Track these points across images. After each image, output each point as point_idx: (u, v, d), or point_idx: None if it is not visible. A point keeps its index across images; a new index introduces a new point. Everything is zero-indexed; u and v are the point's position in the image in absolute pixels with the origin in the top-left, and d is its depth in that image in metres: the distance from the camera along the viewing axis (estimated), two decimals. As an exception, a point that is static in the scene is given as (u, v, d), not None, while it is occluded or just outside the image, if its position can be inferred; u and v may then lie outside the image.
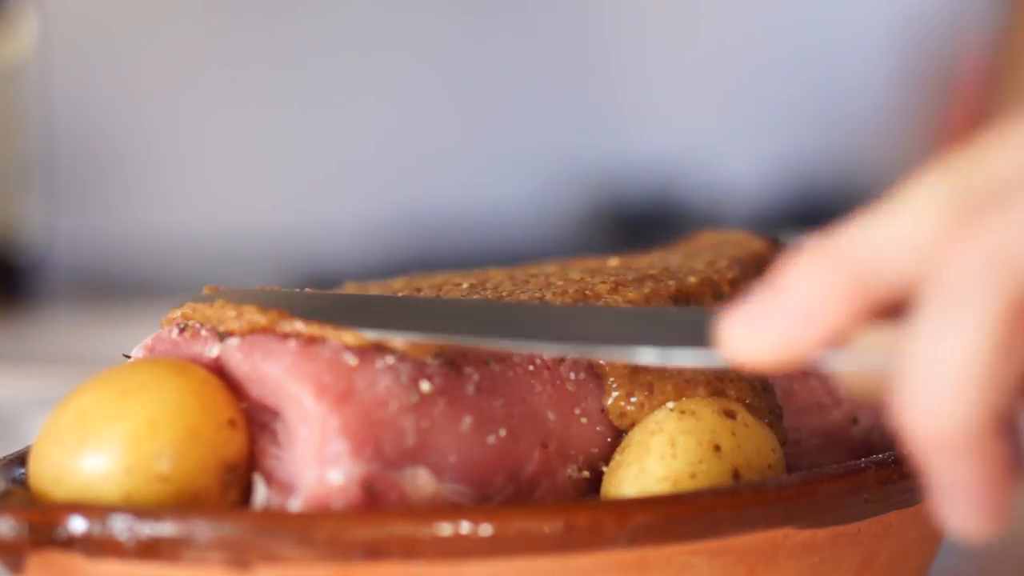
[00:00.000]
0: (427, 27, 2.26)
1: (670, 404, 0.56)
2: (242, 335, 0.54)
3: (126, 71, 2.15)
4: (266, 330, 0.54)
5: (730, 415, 0.56)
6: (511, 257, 0.76)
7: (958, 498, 0.44)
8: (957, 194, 0.44)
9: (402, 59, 2.24)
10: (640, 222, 2.19)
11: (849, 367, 0.45)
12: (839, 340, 0.45)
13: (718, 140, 2.34)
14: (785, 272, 0.45)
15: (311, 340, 0.53)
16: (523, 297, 0.58)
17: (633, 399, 0.56)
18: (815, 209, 2.25)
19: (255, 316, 0.54)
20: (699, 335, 0.47)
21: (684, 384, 0.57)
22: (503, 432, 0.54)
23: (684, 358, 0.48)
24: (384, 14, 2.24)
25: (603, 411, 0.57)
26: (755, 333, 0.45)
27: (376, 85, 2.25)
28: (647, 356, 0.49)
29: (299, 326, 0.54)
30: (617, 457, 0.55)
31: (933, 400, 0.43)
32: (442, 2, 2.28)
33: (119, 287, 2.00)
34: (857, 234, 0.45)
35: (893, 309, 0.45)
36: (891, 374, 0.44)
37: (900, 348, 0.44)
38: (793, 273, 0.45)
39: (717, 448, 0.54)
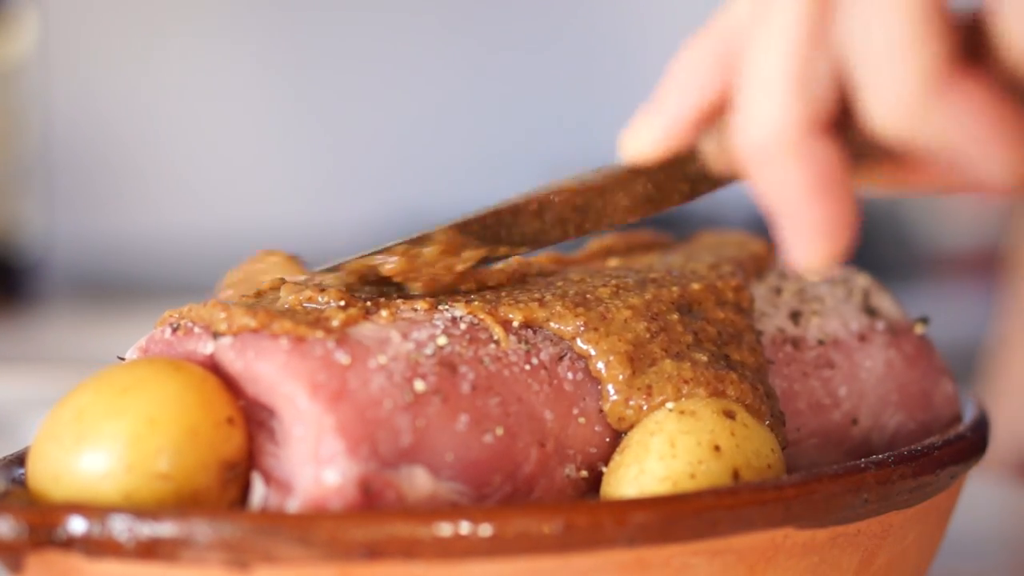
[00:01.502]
0: (428, 29, 2.27)
1: (669, 404, 0.56)
2: (234, 334, 0.54)
3: (125, 72, 2.16)
4: (256, 330, 0.54)
5: (729, 415, 0.55)
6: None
7: (794, 214, 0.48)
8: None
9: (403, 60, 2.24)
10: (639, 221, 2.19)
11: (718, 143, 0.51)
12: (713, 117, 0.50)
13: (718, 140, 2.34)
14: (668, 70, 0.50)
15: (302, 339, 0.53)
16: (522, 298, 0.58)
17: (632, 402, 0.56)
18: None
19: (243, 318, 0.54)
20: None
21: (683, 385, 0.57)
22: (500, 431, 0.54)
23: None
24: (384, 16, 2.24)
25: (601, 412, 0.57)
26: (650, 125, 0.51)
27: (377, 86, 2.25)
28: None
29: (288, 326, 0.54)
30: (617, 457, 0.55)
31: (755, 109, 0.47)
32: (443, 5, 2.28)
33: (118, 287, 2.00)
34: (718, 17, 0.51)
35: None
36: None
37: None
38: (672, 67, 0.50)
39: (717, 448, 0.54)
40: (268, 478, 0.54)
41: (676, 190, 0.56)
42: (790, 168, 0.48)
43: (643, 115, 0.51)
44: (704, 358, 0.58)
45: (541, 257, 0.64)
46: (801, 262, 0.49)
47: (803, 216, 0.48)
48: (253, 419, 0.54)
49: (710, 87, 0.50)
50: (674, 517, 0.51)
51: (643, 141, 0.51)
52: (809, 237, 0.49)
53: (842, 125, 0.49)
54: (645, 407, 0.56)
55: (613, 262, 0.65)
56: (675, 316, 0.59)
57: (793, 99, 0.47)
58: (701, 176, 0.55)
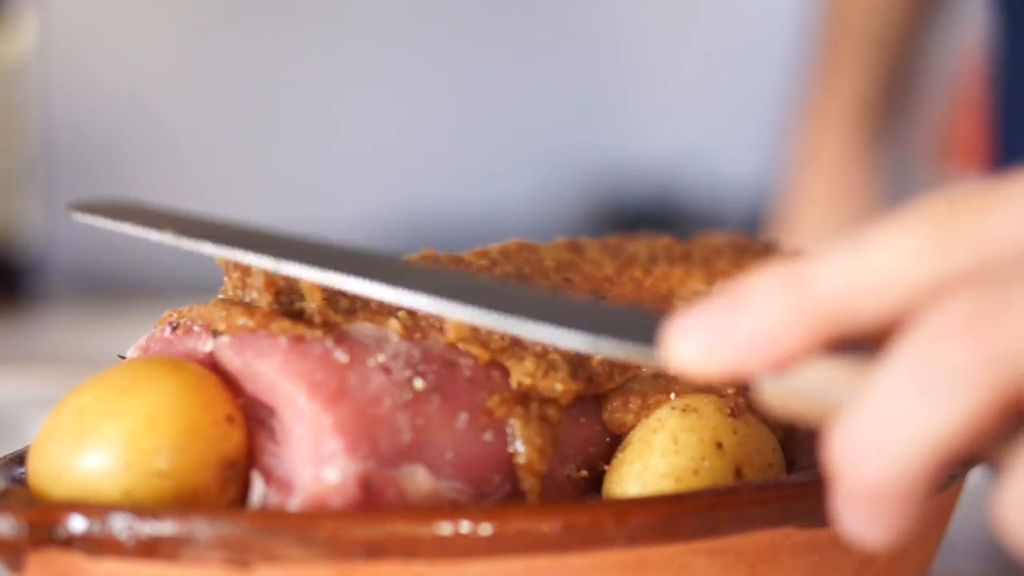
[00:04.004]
0: (428, 28, 2.26)
1: (672, 401, 0.56)
2: (232, 333, 0.54)
3: (125, 71, 2.16)
4: (255, 329, 0.54)
5: (732, 413, 0.55)
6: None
7: (860, 517, 0.42)
8: (948, 244, 0.41)
9: (403, 59, 2.24)
10: (640, 222, 2.19)
11: (786, 391, 0.43)
12: (787, 366, 0.42)
13: (718, 140, 2.34)
14: (746, 287, 0.43)
15: (301, 338, 0.53)
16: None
17: (631, 408, 0.56)
18: (815, 209, 2.24)
19: (242, 317, 0.54)
20: (643, 333, 0.45)
21: (679, 389, 0.57)
22: (499, 429, 0.54)
23: (615, 351, 0.45)
24: (385, 14, 2.24)
25: (600, 411, 0.57)
26: (704, 345, 0.43)
27: (377, 85, 2.25)
28: (573, 341, 0.45)
29: (286, 324, 0.54)
30: (619, 455, 0.55)
31: (878, 453, 0.41)
32: (443, 3, 2.28)
33: (118, 287, 2.00)
34: (830, 263, 0.42)
35: (846, 342, 0.43)
36: (833, 405, 0.42)
37: (850, 382, 0.42)
38: (755, 290, 0.43)
39: (719, 445, 0.54)
40: (268, 477, 0.54)
41: None
42: (885, 508, 0.41)
43: (698, 321, 0.43)
44: None
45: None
46: (859, 537, 0.43)
47: (871, 519, 0.42)
48: (253, 417, 0.54)
49: (794, 340, 0.42)
50: (674, 516, 0.51)
51: (700, 356, 0.43)
52: (871, 529, 0.42)
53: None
54: (643, 412, 0.56)
55: (609, 269, 0.65)
56: None
57: (933, 469, 0.40)
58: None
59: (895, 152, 1.28)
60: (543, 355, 0.55)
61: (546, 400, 0.55)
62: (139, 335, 0.58)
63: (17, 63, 1.77)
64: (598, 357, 0.56)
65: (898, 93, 1.26)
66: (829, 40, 1.28)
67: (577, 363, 0.56)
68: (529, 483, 0.54)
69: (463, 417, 0.54)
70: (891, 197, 1.28)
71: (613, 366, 0.57)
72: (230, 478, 0.53)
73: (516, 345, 0.56)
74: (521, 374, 0.55)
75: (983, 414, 0.40)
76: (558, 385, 0.55)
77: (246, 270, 0.56)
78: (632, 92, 2.32)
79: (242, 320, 0.54)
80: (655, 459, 0.54)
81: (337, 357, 0.53)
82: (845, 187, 1.24)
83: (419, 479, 0.52)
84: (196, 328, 0.55)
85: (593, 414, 0.56)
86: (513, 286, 0.53)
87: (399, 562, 0.49)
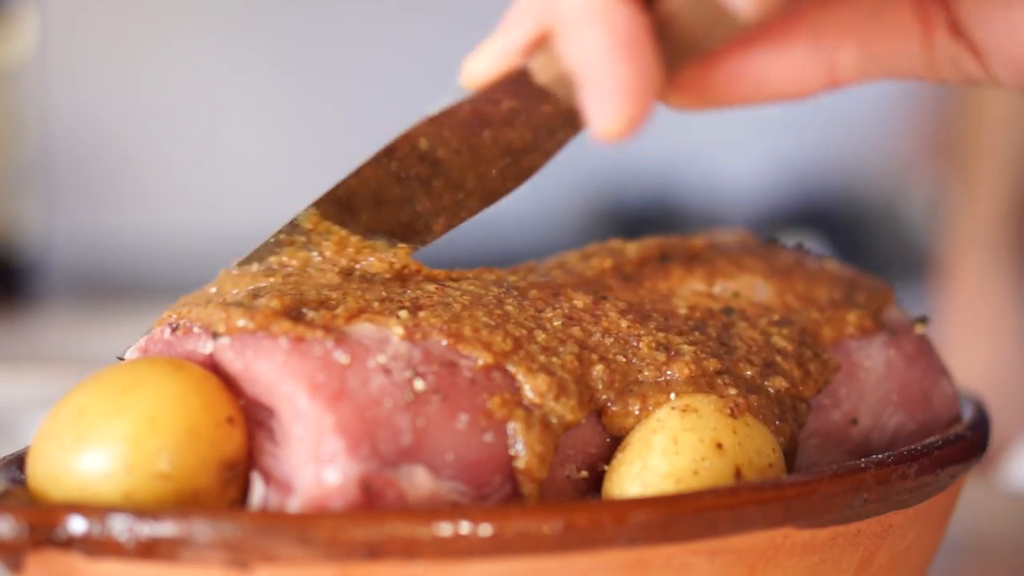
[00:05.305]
0: (428, 27, 2.26)
1: (672, 402, 0.56)
2: (232, 335, 0.54)
3: (125, 72, 2.16)
4: (255, 331, 0.54)
5: (732, 413, 0.55)
6: (511, 257, 0.76)
7: (596, 77, 0.50)
8: None
9: (402, 59, 2.24)
10: (640, 222, 2.19)
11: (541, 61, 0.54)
12: (541, 42, 0.54)
13: (718, 140, 2.34)
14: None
15: (301, 339, 0.53)
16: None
17: (631, 411, 0.56)
18: (814, 209, 2.25)
19: (242, 319, 0.54)
20: None
21: (680, 390, 0.57)
22: (500, 430, 0.54)
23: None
24: (384, 15, 2.24)
25: (600, 413, 0.57)
26: (486, 52, 0.56)
27: (376, 85, 2.25)
28: None
29: (287, 325, 0.54)
30: (619, 455, 0.55)
31: None
32: (444, 4, 2.28)
33: (117, 287, 2.00)
34: None
35: None
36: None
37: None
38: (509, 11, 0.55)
39: (719, 446, 0.54)
40: (268, 478, 0.54)
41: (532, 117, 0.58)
42: (594, 30, 0.50)
43: (482, 45, 0.57)
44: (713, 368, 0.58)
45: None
46: (600, 127, 0.51)
47: (604, 78, 0.51)
48: (252, 419, 0.54)
49: (539, 20, 0.54)
50: (674, 516, 0.51)
51: (482, 63, 0.56)
52: (608, 100, 0.51)
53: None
54: (643, 414, 0.56)
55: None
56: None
57: None
58: (537, 92, 0.57)
59: None
60: (552, 371, 0.55)
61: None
62: (138, 335, 0.58)
63: (17, 64, 1.77)
64: (598, 367, 0.57)
65: None
66: (962, 164, 1.31)
67: (580, 378, 0.56)
68: (528, 488, 0.54)
69: (463, 418, 0.54)
70: None
71: (613, 373, 0.57)
72: (231, 479, 0.53)
73: (520, 349, 0.56)
74: (533, 392, 0.55)
75: None
76: (568, 415, 0.55)
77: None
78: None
79: (242, 322, 0.54)
80: (655, 459, 0.54)
81: (337, 358, 0.53)
82: (989, 304, 1.26)
83: (419, 480, 0.52)
84: (196, 329, 0.55)
85: (593, 415, 0.56)
86: None
87: (399, 562, 0.49)
